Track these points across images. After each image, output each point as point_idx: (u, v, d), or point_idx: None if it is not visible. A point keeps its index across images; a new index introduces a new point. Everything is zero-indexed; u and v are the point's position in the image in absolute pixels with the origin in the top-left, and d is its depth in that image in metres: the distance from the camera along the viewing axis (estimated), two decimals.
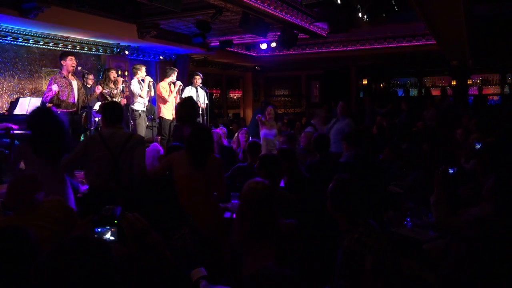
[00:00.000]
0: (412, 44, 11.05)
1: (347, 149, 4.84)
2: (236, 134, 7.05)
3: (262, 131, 6.70)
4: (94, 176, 3.54)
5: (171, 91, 7.88)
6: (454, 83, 11.52)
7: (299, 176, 3.96)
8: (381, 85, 13.82)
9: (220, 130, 6.76)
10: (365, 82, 13.65)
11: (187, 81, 8.85)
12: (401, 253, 2.41)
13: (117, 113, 3.68)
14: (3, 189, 3.26)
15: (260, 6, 7.23)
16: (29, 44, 7.71)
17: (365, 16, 7.29)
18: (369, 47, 11.59)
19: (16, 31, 7.26)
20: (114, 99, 7.00)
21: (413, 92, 13.28)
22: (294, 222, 2.59)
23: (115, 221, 1.46)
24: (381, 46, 11.43)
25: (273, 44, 9.76)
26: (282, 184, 3.95)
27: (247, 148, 5.00)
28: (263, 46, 10.20)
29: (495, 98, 12.23)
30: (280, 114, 10.64)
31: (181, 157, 3.44)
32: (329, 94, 12.86)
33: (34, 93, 7.93)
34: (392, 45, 11.30)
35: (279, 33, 8.88)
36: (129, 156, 3.54)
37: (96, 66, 9.26)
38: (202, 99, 8.29)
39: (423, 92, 12.96)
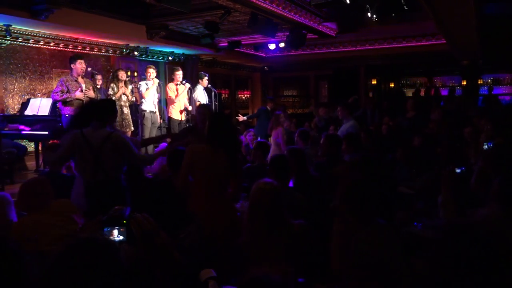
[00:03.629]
0: (422, 43, 10.95)
1: (346, 150, 4.78)
2: (243, 135, 7.07)
3: (275, 135, 6.54)
4: (82, 170, 3.71)
5: (178, 92, 7.93)
6: (465, 83, 11.40)
7: (307, 176, 3.95)
8: (391, 85, 13.72)
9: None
10: (374, 82, 13.56)
11: (196, 81, 8.88)
12: (411, 253, 2.38)
13: (94, 112, 3.76)
14: (15, 189, 3.30)
15: (268, 7, 7.23)
16: (39, 46, 7.79)
17: (374, 16, 7.24)
18: (378, 47, 11.52)
19: (27, 33, 7.34)
20: (116, 99, 7.14)
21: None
22: (303, 223, 2.59)
23: (124, 222, 1.46)
24: (391, 46, 11.35)
25: (282, 45, 9.74)
26: (290, 184, 3.95)
27: (255, 149, 4.97)
28: (272, 46, 10.18)
29: (507, 98, 12.10)
30: (288, 114, 10.62)
31: (205, 151, 3.15)
32: (338, 94, 12.80)
33: (44, 94, 8.02)
34: (401, 45, 11.21)
35: (287, 33, 8.86)
36: (113, 155, 3.61)
37: (105, 67, 9.33)
38: (209, 99, 8.34)
39: (422, 92, 12.84)
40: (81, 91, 6.08)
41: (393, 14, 8.23)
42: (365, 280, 2.09)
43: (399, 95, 12.91)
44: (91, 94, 6.24)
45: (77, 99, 6.05)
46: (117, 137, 3.65)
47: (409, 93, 13.14)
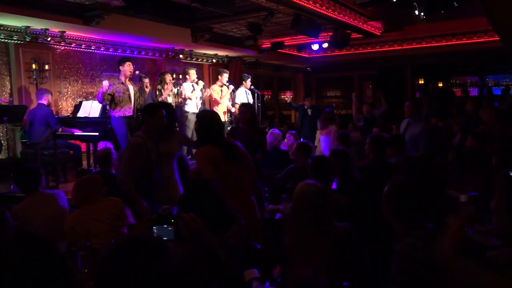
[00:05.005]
0: (472, 41, 10.50)
1: (391, 152, 4.63)
2: (286, 136, 7.04)
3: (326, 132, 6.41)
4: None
5: (222, 93, 8.03)
6: None
7: (351, 178, 3.88)
8: (439, 85, 13.24)
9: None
10: (421, 82, 13.15)
11: (238, 83, 8.96)
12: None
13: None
14: (68, 188, 3.48)
15: (312, 7, 7.18)
16: (91, 50, 8.15)
17: (422, 13, 7.01)
18: (426, 45, 11.16)
19: (79, 38, 7.71)
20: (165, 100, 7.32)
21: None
22: (348, 226, 2.55)
23: (172, 220, 1.50)
24: (439, 44, 10.96)
25: (325, 45, 9.66)
26: (334, 186, 3.90)
27: (297, 149, 4.91)
28: (315, 47, 10.11)
29: None
30: (335, 115, 10.50)
31: (213, 152, 3.24)
32: (383, 95, 12.49)
33: (95, 97, 8.36)
34: (450, 43, 10.80)
35: (331, 34, 8.77)
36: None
37: (152, 70, 9.62)
38: (252, 101, 8.39)
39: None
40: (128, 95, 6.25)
41: (442, 11, 7.93)
42: None
43: (448, 95, 12.44)
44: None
45: (109, 94, 6.08)
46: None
47: (458, 92, 12.65)
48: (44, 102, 6.25)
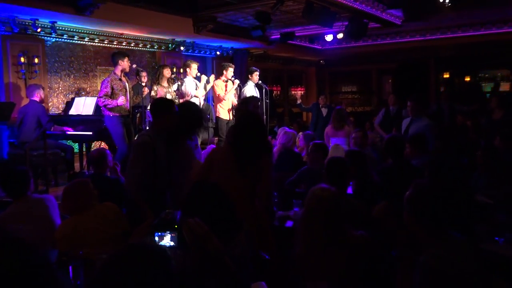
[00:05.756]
0: (503, 31, 10.42)
1: (412, 153, 4.60)
2: (298, 137, 7.01)
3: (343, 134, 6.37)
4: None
5: (226, 89, 7.99)
6: None
7: (369, 182, 3.88)
8: (466, 79, 13.16)
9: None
10: (446, 76, 13.08)
11: (245, 77, 8.96)
12: (491, 273, 2.28)
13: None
14: (59, 192, 3.51)
15: None
16: (84, 42, 8.21)
17: (447, 1, 6.98)
18: (451, 35, 11.09)
19: (71, 29, 7.76)
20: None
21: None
22: (365, 234, 2.55)
23: (175, 226, 1.50)
24: (466, 34, 10.89)
25: (340, 36, 9.64)
26: (350, 191, 3.90)
27: (313, 151, 4.89)
28: (329, 38, 10.10)
29: None
30: (347, 113, 10.45)
31: (223, 155, 3.23)
32: (403, 90, 12.43)
33: (89, 93, 8.44)
34: (479, 33, 10.73)
35: (346, 23, 8.75)
36: None
37: (150, 63, 9.68)
38: (260, 97, 8.34)
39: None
40: (124, 94, 6.24)
41: None
42: None
43: (476, 90, 12.36)
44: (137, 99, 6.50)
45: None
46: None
47: (487, 87, 12.57)
48: (36, 98, 6.30)
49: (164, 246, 1.48)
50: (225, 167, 3.14)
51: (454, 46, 11.51)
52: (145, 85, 7.13)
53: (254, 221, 3.01)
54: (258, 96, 8.28)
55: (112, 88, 6.15)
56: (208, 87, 7.81)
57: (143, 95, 6.82)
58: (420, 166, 4.24)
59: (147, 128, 6.89)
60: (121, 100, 6.09)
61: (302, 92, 14.16)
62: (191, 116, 3.78)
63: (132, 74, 7.31)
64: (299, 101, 10.19)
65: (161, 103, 3.90)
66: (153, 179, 3.57)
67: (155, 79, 7.42)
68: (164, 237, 1.50)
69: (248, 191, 3.09)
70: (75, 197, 3.19)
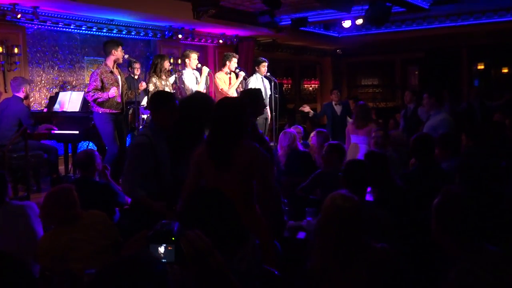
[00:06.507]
0: None
1: (442, 155, 4.60)
2: (310, 135, 7.02)
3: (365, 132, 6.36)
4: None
5: (230, 82, 7.97)
6: None
7: (392, 187, 3.88)
8: (503, 71, 13.11)
9: (295, 130, 6.60)
10: (481, 66, 13.04)
11: (251, 69, 8.95)
12: None
13: None
14: (41, 198, 3.53)
15: None
16: (70, 30, 8.25)
17: None
18: (486, 21, 11.04)
19: (56, 15, 7.78)
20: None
21: None
22: (387, 247, 2.55)
23: (173, 238, 1.51)
24: (504, 19, 10.84)
25: (359, 21, 9.63)
26: (370, 198, 3.90)
27: (328, 152, 4.90)
28: (347, 24, 10.09)
29: None
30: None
31: (204, 155, 3.21)
32: (432, 83, 12.42)
33: (75, 87, 8.48)
34: None
35: (366, 7, 8.73)
36: None
37: (144, 53, 9.71)
38: (269, 90, 8.34)
39: None
40: (116, 87, 6.21)
41: None
42: None
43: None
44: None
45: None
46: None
47: None
48: (21, 95, 6.24)
49: (160, 261, 1.49)
50: (206, 167, 3.16)
51: (489, 33, 11.47)
52: (139, 78, 7.13)
53: (254, 228, 2.96)
54: (268, 91, 8.24)
55: (102, 82, 6.11)
56: (202, 77, 7.68)
57: (139, 90, 6.84)
58: (451, 170, 4.24)
59: (141, 127, 6.94)
60: (113, 91, 6.02)
61: (317, 86, 14.14)
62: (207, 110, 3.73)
63: (123, 66, 7.30)
64: (311, 113, 9.76)
65: (159, 96, 3.94)
66: (155, 182, 3.60)
67: (151, 71, 7.21)
68: (160, 251, 1.51)
69: (236, 191, 2.95)
70: (57, 206, 3.20)
